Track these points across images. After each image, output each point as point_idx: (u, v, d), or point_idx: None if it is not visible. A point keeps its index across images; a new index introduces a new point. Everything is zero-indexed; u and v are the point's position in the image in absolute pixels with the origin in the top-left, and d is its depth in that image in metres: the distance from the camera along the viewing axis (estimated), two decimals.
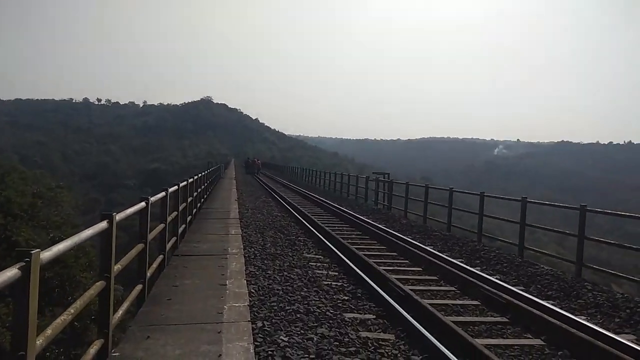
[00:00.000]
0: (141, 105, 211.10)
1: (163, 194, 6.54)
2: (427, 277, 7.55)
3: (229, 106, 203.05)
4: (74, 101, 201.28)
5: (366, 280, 6.46)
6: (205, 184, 17.49)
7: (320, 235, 10.49)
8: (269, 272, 6.76)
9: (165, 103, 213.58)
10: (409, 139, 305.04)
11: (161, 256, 6.46)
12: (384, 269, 7.52)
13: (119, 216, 3.88)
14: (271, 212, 15.20)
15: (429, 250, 9.40)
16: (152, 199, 5.49)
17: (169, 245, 7.17)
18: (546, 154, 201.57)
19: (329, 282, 6.58)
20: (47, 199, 18.43)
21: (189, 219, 10.53)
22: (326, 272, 7.20)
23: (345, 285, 6.54)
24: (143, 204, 5.05)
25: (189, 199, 10.40)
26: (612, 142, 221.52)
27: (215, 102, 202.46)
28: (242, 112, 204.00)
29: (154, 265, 5.91)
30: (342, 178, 26.15)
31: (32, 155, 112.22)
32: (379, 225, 12.87)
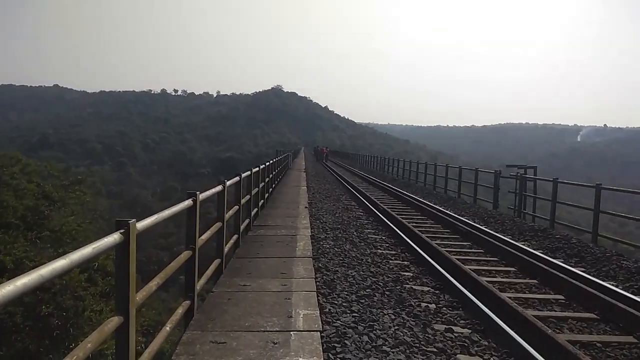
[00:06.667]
0: (215, 95, 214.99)
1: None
2: None
3: (299, 94, 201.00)
4: (152, 92, 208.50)
5: None
6: (265, 182, 12.01)
7: (505, 328, 4.38)
8: None
9: (238, 93, 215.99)
10: (484, 125, 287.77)
11: None
12: None
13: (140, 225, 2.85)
14: (364, 234, 9.29)
15: None
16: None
17: None
18: (636, 139, 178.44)
19: None
20: (59, 200, 13.91)
21: (210, 272, 4.94)
22: None
23: None
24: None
25: (214, 228, 4.83)
26: None
27: (285, 90, 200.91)
28: (311, 100, 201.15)
29: None
30: (447, 172, 19.47)
31: (115, 145, 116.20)
32: (590, 277, 6.38)
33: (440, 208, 13.38)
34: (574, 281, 6.12)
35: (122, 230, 2.64)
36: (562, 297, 5.81)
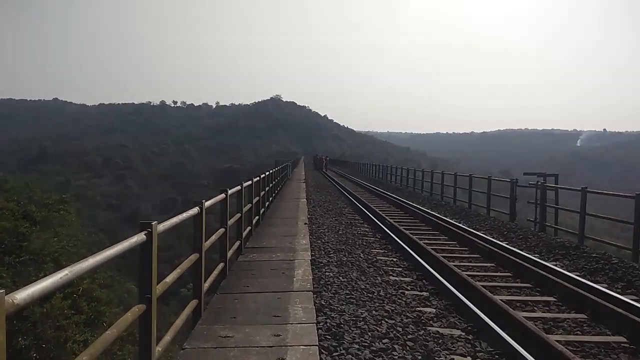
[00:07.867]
0: (214, 106, 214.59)
1: None
2: None
3: (298, 104, 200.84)
4: (151, 104, 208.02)
5: None
6: (260, 196, 10.88)
7: None
8: None
9: (237, 103, 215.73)
10: (483, 132, 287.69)
11: None
12: None
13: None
14: (372, 256, 8.13)
15: None
16: None
17: None
18: (636, 143, 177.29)
19: None
20: (41, 220, 12.77)
21: (181, 322, 3.81)
22: None
23: None
24: None
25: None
26: None
27: (284, 100, 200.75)
28: (310, 110, 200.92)
29: None
30: (456, 180, 18.23)
31: (114, 157, 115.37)
32: None
33: (453, 221, 12.23)
34: (634, 317, 4.97)
35: None
36: (625, 340, 4.66)
